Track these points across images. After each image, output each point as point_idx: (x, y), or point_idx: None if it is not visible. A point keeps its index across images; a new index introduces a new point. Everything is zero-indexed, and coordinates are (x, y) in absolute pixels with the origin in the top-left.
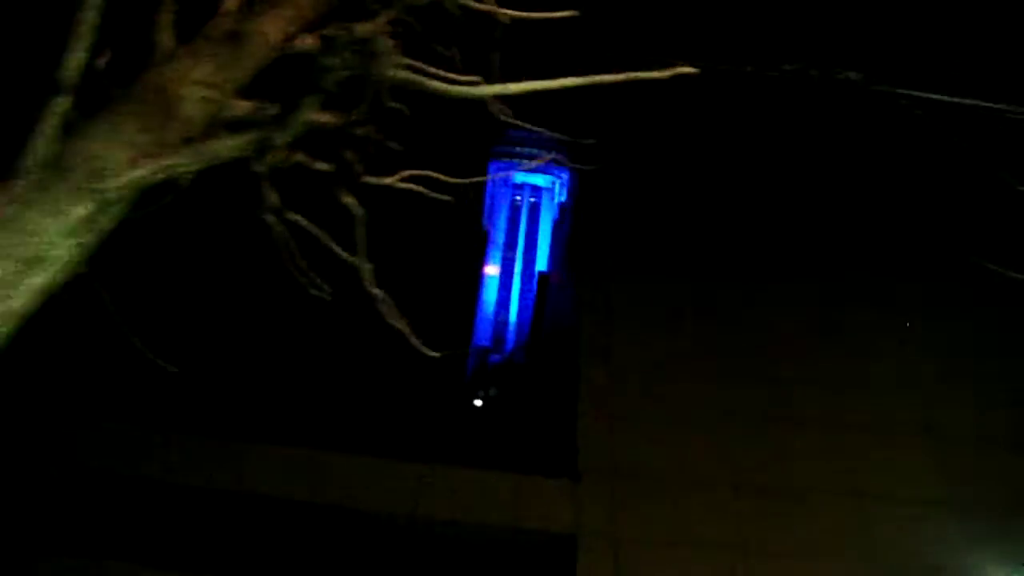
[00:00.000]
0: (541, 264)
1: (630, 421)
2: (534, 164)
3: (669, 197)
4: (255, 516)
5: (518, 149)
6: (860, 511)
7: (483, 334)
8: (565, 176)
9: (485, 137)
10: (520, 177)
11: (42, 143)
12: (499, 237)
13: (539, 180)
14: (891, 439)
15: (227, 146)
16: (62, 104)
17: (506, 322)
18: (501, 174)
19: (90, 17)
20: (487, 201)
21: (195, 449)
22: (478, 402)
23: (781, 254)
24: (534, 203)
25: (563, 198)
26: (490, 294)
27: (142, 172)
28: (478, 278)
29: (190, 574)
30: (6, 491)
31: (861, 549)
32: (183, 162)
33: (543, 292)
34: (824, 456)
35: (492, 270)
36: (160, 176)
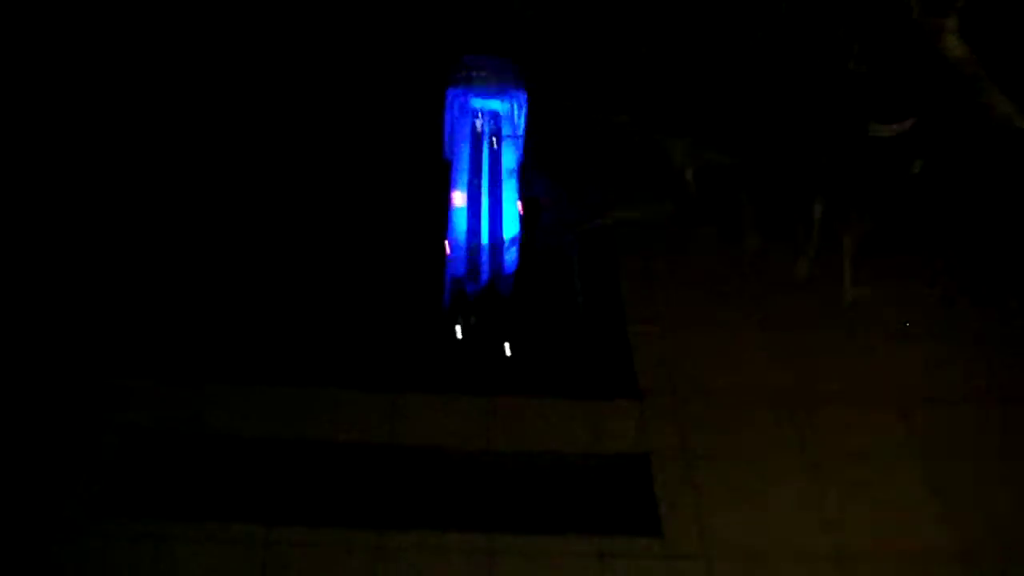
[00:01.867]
0: (509, 190)
1: (684, 335)
2: (492, 88)
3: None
4: (324, 463)
5: (475, 75)
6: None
7: (456, 264)
8: (523, 99)
9: (441, 64)
10: (479, 103)
11: None
12: (462, 165)
13: (498, 105)
14: (949, 344)
15: None
16: None
17: (479, 250)
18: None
19: None
20: (447, 131)
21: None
22: (458, 332)
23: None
24: (495, 128)
25: (523, 122)
26: (459, 223)
27: None
28: (445, 208)
29: (265, 524)
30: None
31: (926, 452)
32: None
33: (533, 216)
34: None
35: (459, 199)
36: None
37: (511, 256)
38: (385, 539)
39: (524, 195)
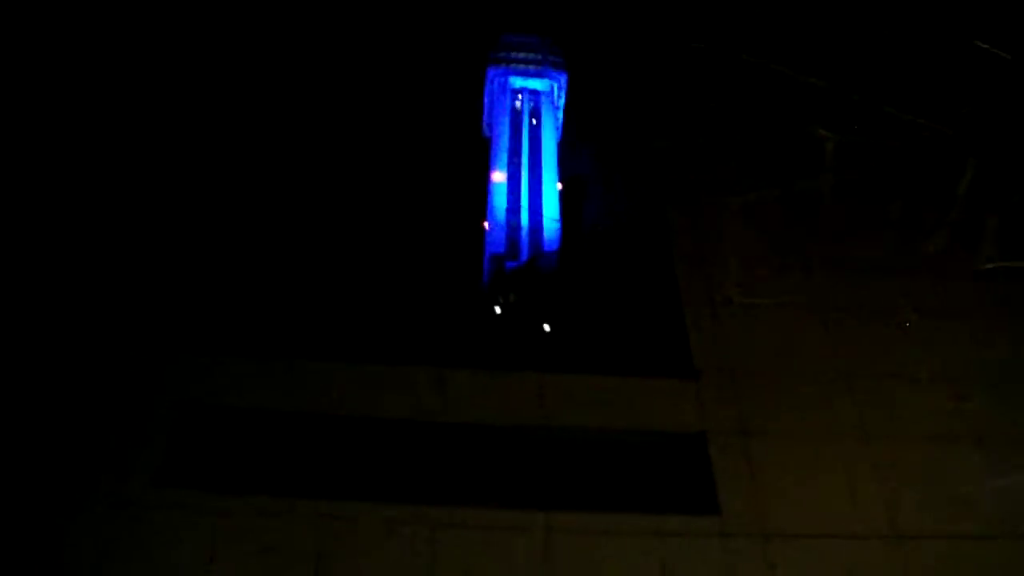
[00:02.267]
0: (548, 169)
1: (740, 316)
2: (531, 68)
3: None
4: (378, 438)
5: (515, 55)
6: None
7: (496, 241)
8: (563, 79)
9: (481, 44)
10: (519, 82)
11: None
12: (502, 144)
13: (538, 84)
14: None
15: None
16: None
17: (518, 228)
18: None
19: None
20: (486, 109)
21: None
22: (497, 309)
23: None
24: (534, 108)
25: (562, 102)
26: (499, 201)
27: None
28: (485, 186)
29: (318, 499)
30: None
31: (975, 430)
32: None
33: (578, 195)
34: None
35: (499, 177)
36: None
37: (552, 234)
38: (442, 514)
39: (570, 174)
